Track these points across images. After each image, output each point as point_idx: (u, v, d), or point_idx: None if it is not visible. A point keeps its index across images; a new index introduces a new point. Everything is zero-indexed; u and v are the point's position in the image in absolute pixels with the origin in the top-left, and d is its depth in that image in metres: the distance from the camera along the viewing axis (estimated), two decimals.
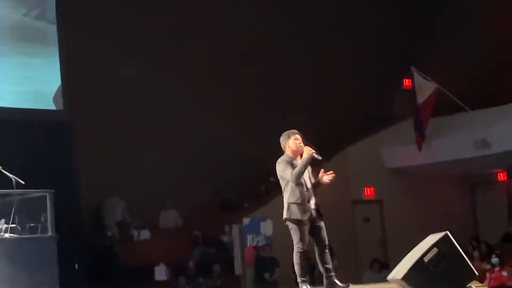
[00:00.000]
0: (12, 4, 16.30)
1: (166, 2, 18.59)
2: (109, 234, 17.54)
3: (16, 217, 11.20)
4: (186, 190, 17.88)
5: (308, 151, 8.72)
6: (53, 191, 11.60)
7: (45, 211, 11.52)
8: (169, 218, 18.46)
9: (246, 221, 17.24)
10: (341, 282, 8.88)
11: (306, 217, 8.73)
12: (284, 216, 8.81)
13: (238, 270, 17.16)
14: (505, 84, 18.92)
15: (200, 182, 18.09)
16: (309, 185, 8.84)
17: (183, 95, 18.23)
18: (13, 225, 11.18)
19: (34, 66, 16.33)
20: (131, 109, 17.91)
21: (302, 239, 8.69)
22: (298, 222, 8.71)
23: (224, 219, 17.86)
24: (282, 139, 8.99)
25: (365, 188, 18.91)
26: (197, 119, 18.38)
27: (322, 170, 8.93)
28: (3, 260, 10.96)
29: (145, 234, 17.84)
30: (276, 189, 9.91)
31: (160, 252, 17.33)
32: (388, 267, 15.79)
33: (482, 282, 13.37)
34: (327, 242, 8.89)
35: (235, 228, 17.42)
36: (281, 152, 8.97)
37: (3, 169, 11.29)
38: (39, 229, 11.47)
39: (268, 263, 16.59)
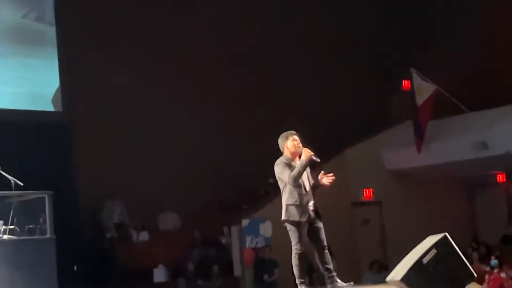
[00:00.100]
0: (11, 6, 16.32)
1: (166, 4, 18.59)
2: (108, 236, 17.50)
3: (15, 219, 11.14)
4: (185, 191, 17.85)
5: (306, 153, 8.68)
6: (52, 192, 11.55)
7: (44, 212, 11.46)
8: (168, 219, 18.42)
9: (245, 222, 17.20)
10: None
11: (304, 219, 8.70)
12: (283, 217, 8.79)
13: (237, 271, 17.13)
14: (504, 85, 18.91)
15: (199, 184, 18.06)
16: (307, 187, 8.81)
17: (182, 96, 18.22)
18: (12, 227, 11.13)
19: (33, 67, 16.34)
20: (130, 110, 17.87)
21: (300, 240, 8.66)
22: (296, 224, 8.68)
23: (223, 221, 17.82)
24: (280, 140, 8.95)
25: (364, 190, 18.90)
26: (196, 120, 18.37)
27: (322, 172, 8.91)
28: (2, 262, 10.90)
29: (144, 235, 17.79)
30: (275, 190, 9.88)
31: (159, 254, 17.31)
32: (387, 268, 15.79)
33: (481, 284, 13.36)
34: (325, 243, 8.86)
35: (234, 230, 17.37)
36: (280, 154, 8.95)
37: (2, 170, 11.26)
38: (38, 230, 11.43)
39: (267, 264, 16.58)
